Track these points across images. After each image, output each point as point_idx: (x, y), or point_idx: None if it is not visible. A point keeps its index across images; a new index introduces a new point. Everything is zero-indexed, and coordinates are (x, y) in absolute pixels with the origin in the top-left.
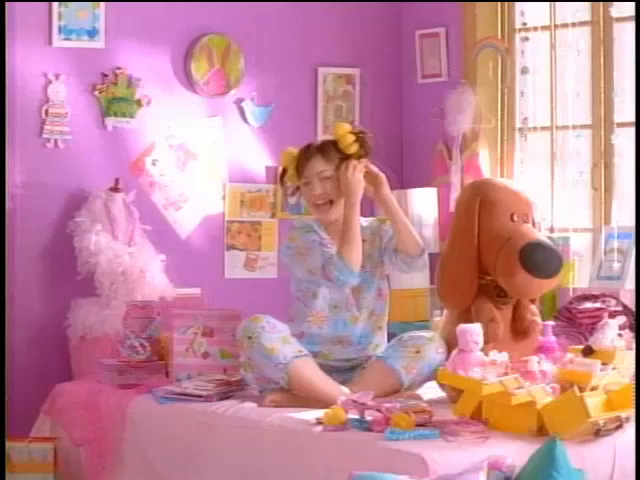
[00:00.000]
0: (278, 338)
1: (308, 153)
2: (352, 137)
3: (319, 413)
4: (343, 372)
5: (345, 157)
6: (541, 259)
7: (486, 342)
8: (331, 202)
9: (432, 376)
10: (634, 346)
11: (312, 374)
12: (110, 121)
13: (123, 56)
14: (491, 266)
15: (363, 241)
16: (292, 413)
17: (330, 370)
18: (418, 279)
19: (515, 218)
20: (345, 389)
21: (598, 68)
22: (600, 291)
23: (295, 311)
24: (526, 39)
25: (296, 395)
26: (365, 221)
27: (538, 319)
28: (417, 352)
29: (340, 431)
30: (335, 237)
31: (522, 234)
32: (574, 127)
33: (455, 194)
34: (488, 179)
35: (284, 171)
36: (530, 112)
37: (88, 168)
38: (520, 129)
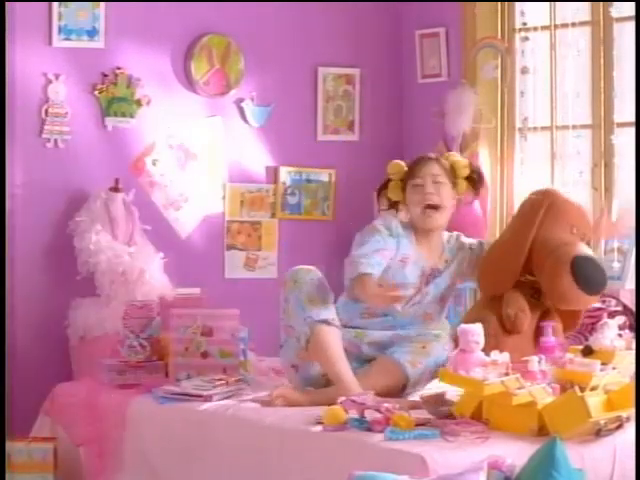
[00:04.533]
0: (320, 296)
1: (424, 158)
2: (465, 162)
3: (319, 412)
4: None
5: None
6: (591, 273)
7: (510, 332)
8: (436, 209)
9: (437, 374)
10: (634, 346)
11: (334, 347)
12: (110, 121)
13: (123, 56)
14: (538, 266)
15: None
16: (292, 413)
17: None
18: None
19: (574, 231)
20: (355, 382)
21: (598, 68)
22: None
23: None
24: (526, 39)
25: (303, 392)
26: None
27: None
28: (423, 347)
29: (340, 431)
30: (423, 248)
31: (579, 246)
32: (574, 127)
33: None
34: (558, 191)
35: (387, 182)
36: (530, 112)
37: (88, 168)
38: (520, 129)
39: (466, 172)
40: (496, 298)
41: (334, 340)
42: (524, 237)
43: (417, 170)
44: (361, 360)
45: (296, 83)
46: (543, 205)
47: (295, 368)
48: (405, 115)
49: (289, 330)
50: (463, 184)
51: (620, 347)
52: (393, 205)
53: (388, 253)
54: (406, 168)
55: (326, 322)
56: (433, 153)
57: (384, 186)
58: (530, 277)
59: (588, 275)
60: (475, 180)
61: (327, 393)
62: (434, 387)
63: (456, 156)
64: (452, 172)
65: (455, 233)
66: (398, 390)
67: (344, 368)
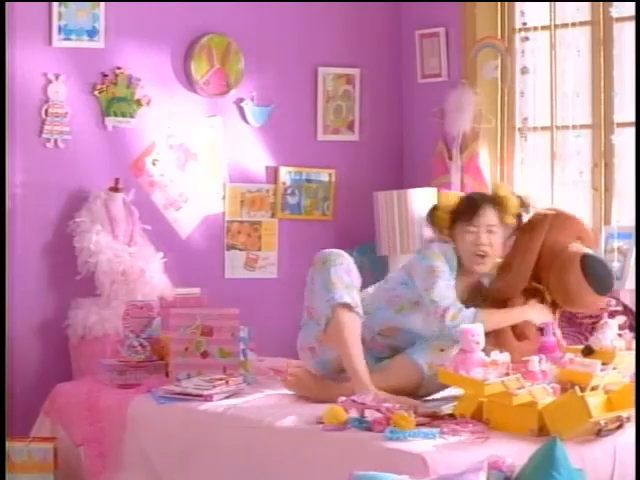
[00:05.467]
0: (347, 281)
1: (482, 203)
2: (516, 200)
3: (319, 412)
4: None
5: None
6: (600, 272)
7: (520, 338)
8: (488, 257)
9: None
10: (634, 346)
11: (352, 333)
12: (110, 121)
13: (123, 56)
14: (546, 267)
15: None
16: (292, 413)
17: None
18: None
19: (580, 243)
20: (367, 373)
21: (598, 68)
22: None
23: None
24: (526, 39)
25: (315, 377)
26: None
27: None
28: (441, 350)
29: (340, 431)
30: (462, 291)
31: (587, 249)
32: (574, 127)
33: None
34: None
35: (435, 209)
36: (530, 112)
37: (88, 168)
38: (520, 129)
39: (517, 211)
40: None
41: (354, 326)
42: (533, 242)
43: (474, 216)
44: (376, 357)
45: (296, 83)
46: (549, 217)
47: (312, 350)
48: (405, 115)
49: (310, 311)
50: (511, 221)
51: (620, 347)
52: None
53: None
54: (459, 203)
55: (348, 306)
56: (487, 192)
57: (432, 213)
58: (535, 284)
59: (597, 273)
60: (521, 217)
61: (339, 388)
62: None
63: (506, 190)
64: (504, 212)
65: None
66: (413, 390)
67: (359, 358)
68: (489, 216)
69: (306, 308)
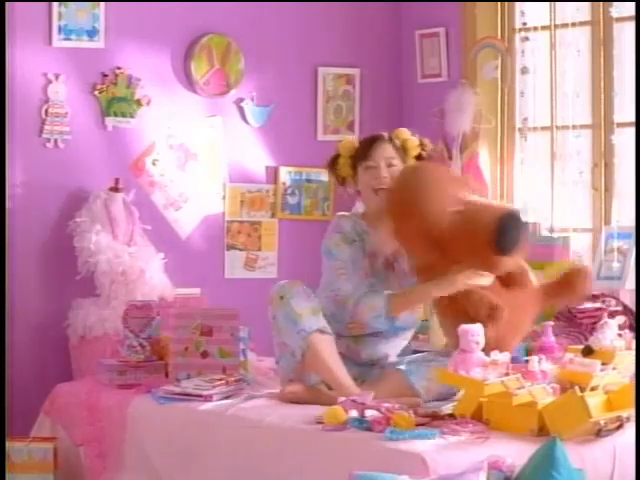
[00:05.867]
0: (308, 307)
1: (377, 139)
2: (416, 140)
3: (319, 413)
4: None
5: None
6: (510, 228)
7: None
8: None
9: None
10: (634, 346)
11: (330, 355)
12: (110, 121)
13: (123, 56)
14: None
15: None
16: (292, 413)
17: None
18: None
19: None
20: (355, 387)
21: (598, 68)
22: (600, 291)
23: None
24: (526, 39)
25: (313, 389)
26: None
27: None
28: None
29: (340, 431)
30: (376, 226)
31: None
32: (574, 127)
33: None
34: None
35: (336, 157)
36: (530, 112)
37: (88, 168)
38: (520, 129)
39: (417, 151)
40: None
41: (330, 348)
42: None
43: (370, 151)
44: (361, 365)
45: (296, 83)
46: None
47: (293, 381)
48: (405, 115)
49: (282, 347)
50: (416, 151)
51: (620, 347)
52: (342, 182)
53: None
54: (357, 145)
55: (320, 331)
56: (385, 132)
57: (333, 161)
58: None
59: (505, 229)
60: (423, 159)
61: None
62: None
63: (407, 133)
64: (404, 151)
65: None
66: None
67: (343, 375)
68: (387, 150)
69: (277, 344)
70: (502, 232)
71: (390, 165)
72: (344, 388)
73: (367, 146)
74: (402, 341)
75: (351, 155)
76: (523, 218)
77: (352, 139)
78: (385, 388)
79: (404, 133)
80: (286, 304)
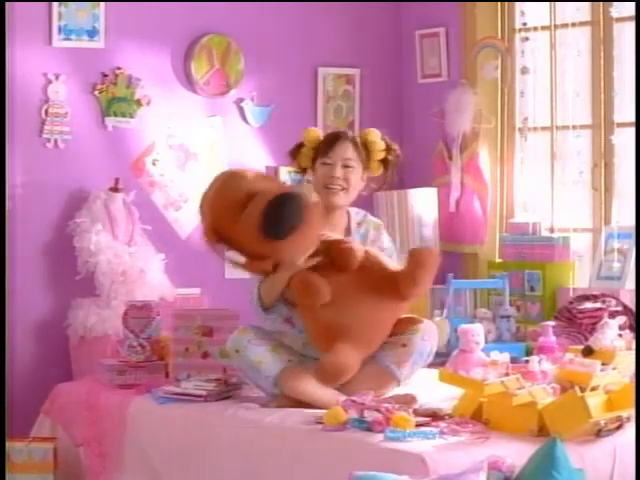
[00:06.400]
0: (266, 350)
1: (340, 137)
2: (383, 145)
3: (319, 412)
4: None
5: (368, 160)
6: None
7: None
8: (343, 189)
9: (425, 364)
10: (634, 346)
11: (305, 383)
12: (110, 121)
13: (123, 56)
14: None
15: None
16: (292, 413)
17: None
18: None
19: None
20: (339, 394)
21: (598, 68)
22: (600, 291)
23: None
24: (526, 39)
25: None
26: (357, 215)
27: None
28: (404, 346)
29: (340, 431)
30: (326, 227)
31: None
32: (574, 127)
33: (455, 194)
34: None
35: (299, 146)
36: (530, 112)
37: (88, 168)
38: (520, 129)
39: (381, 156)
40: None
41: (299, 377)
42: None
43: (329, 149)
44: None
45: (296, 83)
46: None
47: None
48: (405, 115)
49: (260, 389)
50: (376, 166)
51: (620, 347)
52: (302, 171)
53: None
54: (321, 138)
55: (283, 370)
56: (350, 131)
57: (296, 149)
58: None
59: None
60: (390, 163)
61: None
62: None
63: (374, 135)
64: (366, 153)
65: (362, 211)
66: (388, 390)
67: (323, 394)
68: (346, 150)
69: (255, 386)
70: (268, 216)
71: (346, 166)
72: (331, 404)
73: (328, 142)
74: None
75: (314, 147)
76: (298, 199)
77: (318, 131)
78: (361, 379)
79: (372, 135)
80: (243, 356)
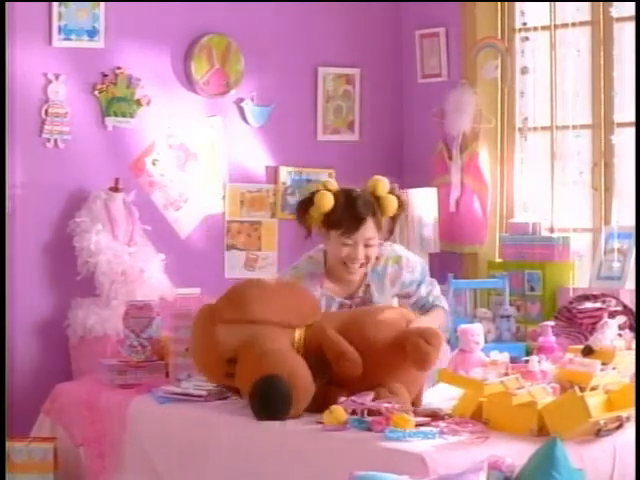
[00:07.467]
0: None
1: (363, 218)
2: (395, 202)
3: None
4: None
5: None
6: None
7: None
8: (362, 266)
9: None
10: (634, 346)
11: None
12: (110, 121)
13: (123, 56)
14: None
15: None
16: None
17: None
18: None
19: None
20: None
21: (598, 68)
22: (600, 291)
23: None
24: (526, 39)
25: None
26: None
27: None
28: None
29: (340, 431)
30: (332, 283)
31: None
32: (574, 127)
33: (455, 194)
34: None
35: (308, 206)
36: (530, 112)
37: (88, 168)
38: (520, 129)
39: (393, 212)
40: None
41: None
42: None
43: (351, 230)
44: None
45: (296, 83)
46: None
47: None
48: (405, 115)
49: None
50: (392, 210)
51: (620, 347)
52: (308, 231)
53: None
54: (334, 206)
55: None
56: (364, 194)
57: (304, 208)
58: None
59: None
60: (397, 217)
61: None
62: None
63: (384, 190)
64: (381, 213)
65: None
66: None
67: None
68: (368, 230)
69: None
70: (256, 402)
71: (368, 245)
72: None
73: (352, 225)
74: None
75: (326, 213)
76: (281, 386)
77: (330, 196)
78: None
79: (382, 190)
80: None
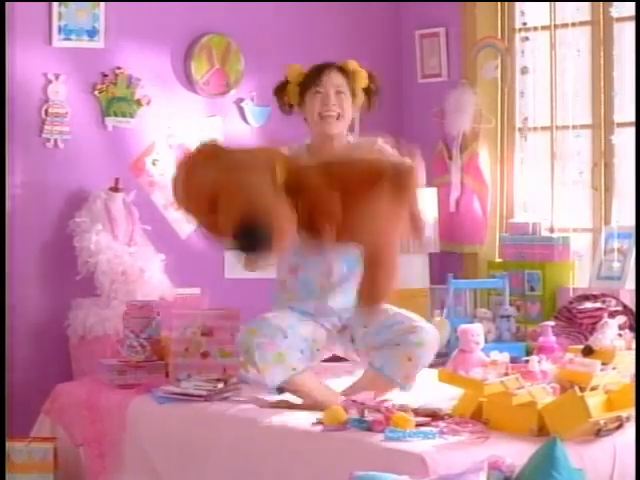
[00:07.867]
0: (272, 356)
1: (327, 66)
2: (365, 73)
3: (319, 413)
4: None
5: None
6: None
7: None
8: (338, 117)
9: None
10: (634, 346)
11: (307, 389)
12: (110, 121)
13: (123, 56)
14: None
15: None
16: (292, 413)
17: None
18: (418, 279)
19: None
20: (339, 395)
21: (598, 68)
22: (600, 291)
23: None
24: (526, 39)
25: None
26: None
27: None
28: (409, 360)
29: (340, 431)
30: (316, 154)
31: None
32: (574, 127)
33: (455, 194)
34: None
35: (284, 84)
36: (530, 112)
37: (88, 168)
38: (520, 129)
39: (365, 83)
40: None
41: (305, 383)
42: None
43: (319, 78)
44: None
45: None
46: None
47: None
48: (405, 115)
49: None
50: (361, 95)
51: (620, 347)
52: (289, 109)
53: None
54: (304, 73)
55: (284, 381)
56: (334, 62)
57: (281, 87)
58: None
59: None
60: (372, 92)
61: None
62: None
63: (354, 64)
64: (353, 82)
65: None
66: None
67: (325, 394)
68: (336, 78)
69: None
70: (238, 244)
71: (339, 92)
72: (333, 403)
73: (317, 73)
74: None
75: (299, 82)
76: (262, 231)
77: (300, 66)
78: (363, 388)
79: (352, 64)
80: (250, 360)
